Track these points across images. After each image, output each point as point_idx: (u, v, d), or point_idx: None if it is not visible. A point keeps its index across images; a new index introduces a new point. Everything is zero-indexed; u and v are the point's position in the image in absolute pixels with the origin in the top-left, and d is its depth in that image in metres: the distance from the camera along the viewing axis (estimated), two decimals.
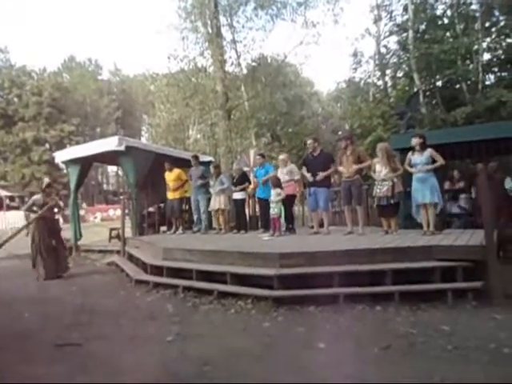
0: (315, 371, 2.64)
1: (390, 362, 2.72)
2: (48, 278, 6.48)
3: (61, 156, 10.11)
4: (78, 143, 32.71)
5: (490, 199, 4.37)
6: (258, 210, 8.90)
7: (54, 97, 39.70)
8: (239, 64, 17.02)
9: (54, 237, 6.81)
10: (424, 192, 5.53)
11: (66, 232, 7.82)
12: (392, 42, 19.93)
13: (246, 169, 10.28)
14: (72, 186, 9.75)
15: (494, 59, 17.36)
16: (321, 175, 6.46)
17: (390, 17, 19.68)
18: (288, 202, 7.22)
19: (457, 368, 2.57)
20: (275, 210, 6.89)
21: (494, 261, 4.09)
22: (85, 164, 9.65)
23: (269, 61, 18.25)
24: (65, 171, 31.67)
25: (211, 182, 8.25)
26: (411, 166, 5.74)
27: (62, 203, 9.07)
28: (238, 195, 8.24)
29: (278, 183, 6.98)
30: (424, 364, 2.65)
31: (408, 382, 2.40)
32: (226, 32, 15.77)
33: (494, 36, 17.27)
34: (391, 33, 19.71)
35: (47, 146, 39.80)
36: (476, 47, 15.87)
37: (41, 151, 37.78)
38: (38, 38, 74.98)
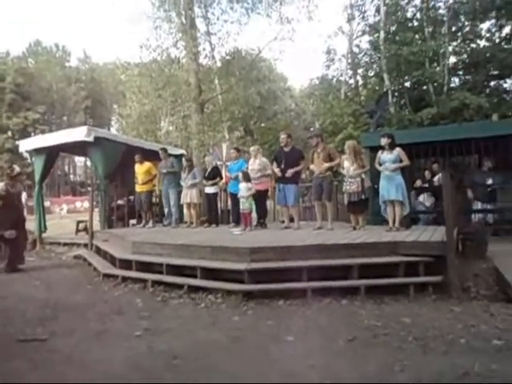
0: (283, 363, 2.70)
1: (354, 353, 2.83)
2: (9, 270, 6.25)
3: (25, 145, 9.74)
4: (43, 132, 31.50)
5: (451, 198, 4.59)
6: (229, 204, 8.91)
7: (18, 82, 37.97)
8: (213, 57, 16.87)
9: (18, 227, 6.52)
10: (390, 189, 5.76)
11: (30, 224, 7.54)
12: (364, 42, 20.35)
13: (218, 163, 10.26)
14: (37, 176, 9.41)
15: (459, 63, 18.09)
16: (290, 172, 6.55)
17: (363, 17, 20.05)
18: (260, 197, 7.27)
19: (416, 358, 2.70)
20: (245, 204, 6.94)
21: (453, 256, 4.30)
22: (51, 154, 9.34)
23: (243, 55, 18.14)
24: (29, 161, 30.56)
25: (183, 175, 8.18)
26: (380, 164, 5.95)
27: (25, 194, 8.74)
28: (209, 189, 8.21)
29: (247, 178, 7.02)
30: (386, 354, 2.77)
31: (370, 371, 2.50)
32: (200, 23, 15.60)
33: (459, 40, 17.98)
34: (363, 32, 20.09)
35: (10, 133, 38.06)
36: (443, 50, 16.44)
37: (3, 139, 36.15)
38: (0, 19, 71.04)
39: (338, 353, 2.85)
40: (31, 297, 4.76)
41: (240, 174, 7.12)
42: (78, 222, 10.15)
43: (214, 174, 8.21)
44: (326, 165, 6.34)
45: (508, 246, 6.31)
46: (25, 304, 4.41)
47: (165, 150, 8.75)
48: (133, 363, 2.75)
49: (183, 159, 8.55)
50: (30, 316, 3.93)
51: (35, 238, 8.93)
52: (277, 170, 6.78)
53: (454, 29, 17.41)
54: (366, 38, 19.96)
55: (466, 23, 17.57)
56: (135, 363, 2.75)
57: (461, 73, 18.29)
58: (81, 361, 2.83)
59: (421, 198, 8.12)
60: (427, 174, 8.42)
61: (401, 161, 5.81)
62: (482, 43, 17.52)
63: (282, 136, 7.01)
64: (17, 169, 6.84)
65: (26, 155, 29.97)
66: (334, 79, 21.99)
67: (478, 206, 7.62)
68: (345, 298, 4.11)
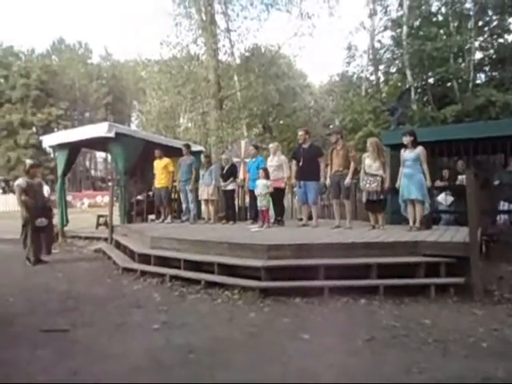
0: (299, 361, 2.69)
1: (372, 354, 2.79)
2: (36, 262, 6.41)
3: (49, 140, 9.98)
4: (66, 128, 32.23)
5: (475, 198, 4.46)
6: (247, 201, 8.92)
7: (42, 79, 38.94)
8: (232, 53, 16.85)
9: (45, 215, 6.59)
10: (410, 188, 5.63)
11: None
12: (386, 37, 19.98)
13: (236, 159, 10.27)
14: (60, 171, 9.64)
15: (486, 58, 17.56)
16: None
17: (385, 11, 19.68)
18: (277, 194, 7.25)
19: (435, 360, 2.65)
20: (263, 201, 6.91)
21: (477, 258, 4.18)
22: (73, 149, 9.54)
23: (262, 51, 18.05)
24: (52, 156, 31.36)
25: (201, 172, 8.23)
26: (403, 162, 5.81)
27: (47, 187, 8.95)
28: (227, 186, 8.23)
29: (267, 175, 7.00)
30: (404, 356, 2.72)
31: (387, 372, 2.46)
32: (220, 20, 15.57)
33: (486, 35, 17.44)
34: (386, 28, 19.71)
35: (34, 129, 39.13)
36: (468, 46, 15.99)
37: (27, 134, 37.16)
38: (26, 17, 73.06)
39: (355, 352, 2.81)
40: (53, 288, 4.89)
41: (260, 171, 7.10)
42: (99, 217, 10.35)
43: (232, 173, 8.23)
44: (349, 179, 6.23)
45: None
46: (47, 295, 4.55)
47: (188, 146, 8.82)
48: (150, 355, 2.79)
49: (202, 156, 8.59)
50: (53, 307, 4.04)
51: (57, 231, 9.16)
52: (294, 168, 6.73)
53: (480, 23, 16.91)
54: (389, 33, 19.63)
55: (494, 17, 17.02)
56: (152, 356, 2.78)
57: (487, 69, 17.78)
58: (101, 352, 2.89)
59: (439, 197, 7.93)
60: (445, 172, 8.21)
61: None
62: (510, 38, 16.96)
63: (300, 133, 6.97)
64: (28, 162, 7.03)
65: (50, 150, 30.80)
66: (355, 76, 21.69)
67: (505, 206, 7.38)
68: (363, 298, 4.06)
